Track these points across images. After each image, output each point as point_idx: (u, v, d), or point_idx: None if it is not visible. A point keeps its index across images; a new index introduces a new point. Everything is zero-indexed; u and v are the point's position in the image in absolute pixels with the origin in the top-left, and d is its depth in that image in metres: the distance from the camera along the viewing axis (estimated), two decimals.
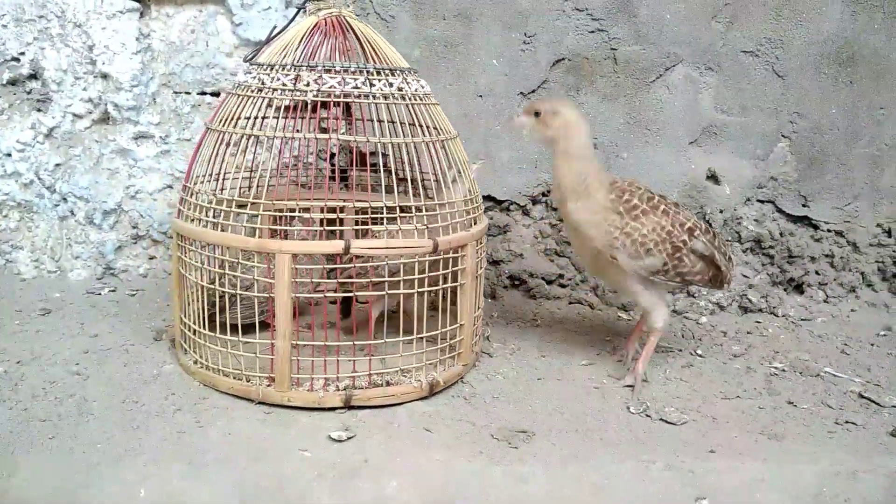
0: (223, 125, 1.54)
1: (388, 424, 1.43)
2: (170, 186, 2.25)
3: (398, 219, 1.47)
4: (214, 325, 1.53)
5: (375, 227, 1.44)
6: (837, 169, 2.27)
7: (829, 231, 2.30)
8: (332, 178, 2.10)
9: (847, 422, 1.53)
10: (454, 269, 1.56)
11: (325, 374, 1.47)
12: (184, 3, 2.17)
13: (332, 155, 2.26)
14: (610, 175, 1.71)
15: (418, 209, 1.50)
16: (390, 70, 1.56)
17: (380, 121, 1.65)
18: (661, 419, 1.50)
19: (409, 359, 1.53)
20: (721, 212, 2.27)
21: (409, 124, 1.57)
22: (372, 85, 1.50)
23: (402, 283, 1.47)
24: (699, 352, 1.92)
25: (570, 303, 2.26)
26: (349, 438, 1.36)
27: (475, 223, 1.64)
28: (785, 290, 2.32)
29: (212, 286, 1.51)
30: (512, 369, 1.74)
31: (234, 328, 1.54)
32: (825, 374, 1.79)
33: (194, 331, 1.57)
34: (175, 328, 1.67)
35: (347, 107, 1.96)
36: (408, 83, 1.56)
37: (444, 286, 1.55)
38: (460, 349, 1.63)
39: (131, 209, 2.25)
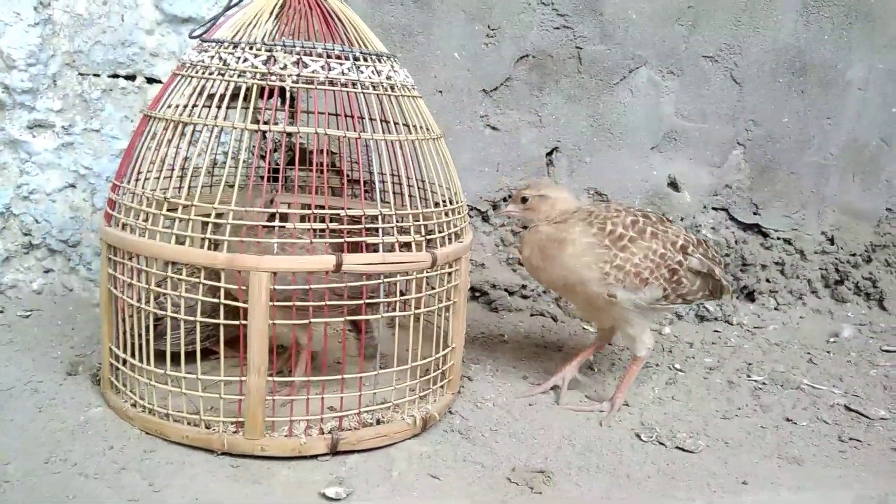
0: (169, 113, 1.26)
1: (387, 473, 1.21)
2: (73, 186, 1.89)
3: (395, 229, 1.25)
4: (148, 351, 1.25)
5: (370, 240, 1.22)
6: (787, 177, 2.28)
7: (778, 239, 2.31)
8: (272, 178, 1.85)
9: (851, 438, 1.49)
10: (449, 285, 1.37)
11: (308, 416, 1.23)
12: None
13: (274, 150, 1.99)
14: (582, 206, 1.56)
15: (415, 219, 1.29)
16: (376, 55, 1.34)
17: (343, 115, 1.43)
18: (678, 447, 1.39)
19: (396, 391, 1.32)
20: (682, 219, 2.22)
21: (382, 121, 1.36)
22: (360, 71, 1.28)
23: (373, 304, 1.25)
24: (677, 366, 1.84)
25: (533, 314, 2.12)
26: (348, 495, 1.13)
27: (465, 232, 1.46)
28: (738, 297, 2.30)
29: (160, 311, 1.23)
30: (499, 394, 1.57)
31: (173, 357, 1.27)
32: (805, 387, 1.76)
33: (132, 366, 1.28)
34: (104, 361, 1.36)
35: (287, 96, 1.71)
36: (395, 71, 1.36)
37: (438, 306, 1.35)
38: (450, 376, 1.44)
39: (23, 213, 1.87)
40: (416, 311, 1.29)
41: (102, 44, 1.85)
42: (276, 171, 1.89)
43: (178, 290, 1.22)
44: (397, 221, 1.25)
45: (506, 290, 2.11)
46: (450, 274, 1.37)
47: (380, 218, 1.23)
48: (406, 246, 1.27)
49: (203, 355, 1.26)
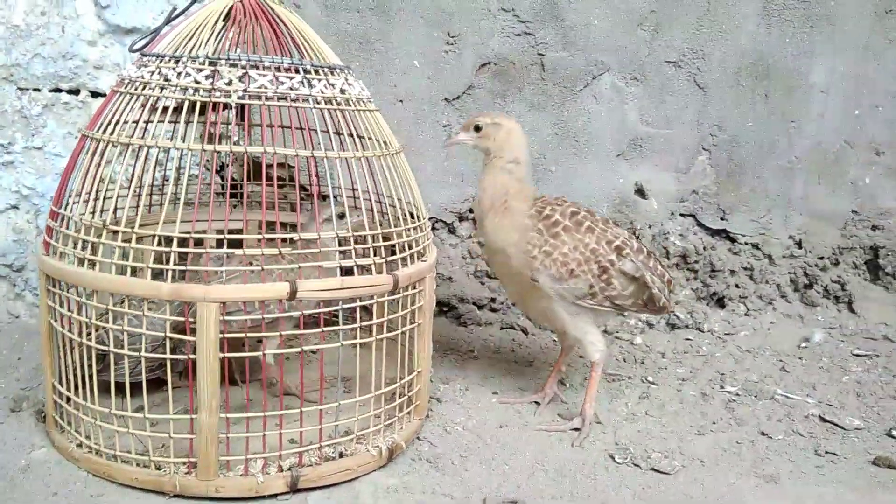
0: (112, 133, 1.18)
1: None
2: (15, 207, 1.79)
3: (353, 251, 1.18)
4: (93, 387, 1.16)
5: (327, 264, 1.15)
6: (753, 181, 2.27)
7: (746, 244, 2.29)
8: (224, 195, 1.77)
9: (827, 452, 1.46)
10: (413, 307, 1.31)
11: (265, 453, 1.15)
12: None
13: (222, 166, 1.91)
14: (537, 192, 1.55)
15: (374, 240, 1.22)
16: (329, 68, 1.27)
17: (299, 128, 1.36)
18: (653, 468, 1.34)
19: (359, 420, 1.25)
20: (650, 227, 2.19)
21: (335, 133, 1.29)
22: (311, 85, 1.21)
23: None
24: (650, 378, 1.81)
25: (503, 328, 2.07)
26: None
27: (428, 250, 1.40)
28: (708, 304, 2.28)
29: (102, 347, 1.14)
30: (469, 417, 1.51)
31: (120, 391, 1.18)
32: (779, 397, 1.74)
33: (76, 403, 1.19)
34: (47, 398, 1.27)
35: (241, 109, 1.64)
36: (349, 84, 1.29)
37: (402, 329, 1.29)
38: (417, 401, 1.38)
39: None
40: (378, 337, 1.21)
41: (42, 56, 1.75)
42: (234, 187, 1.81)
43: (119, 323, 1.14)
44: (356, 243, 1.18)
45: (474, 303, 2.05)
46: (413, 295, 1.31)
47: (336, 241, 1.16)
48: (366, 269, 1.20)
49: (156, 385, 1.19)
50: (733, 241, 2.29)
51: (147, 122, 1.25)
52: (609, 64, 2.09)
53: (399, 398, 1.32)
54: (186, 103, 1.19)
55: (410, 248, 1.31)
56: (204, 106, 1.16)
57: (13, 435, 1.29)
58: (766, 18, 2.16)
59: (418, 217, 1.40)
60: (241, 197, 1.81)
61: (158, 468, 1.14)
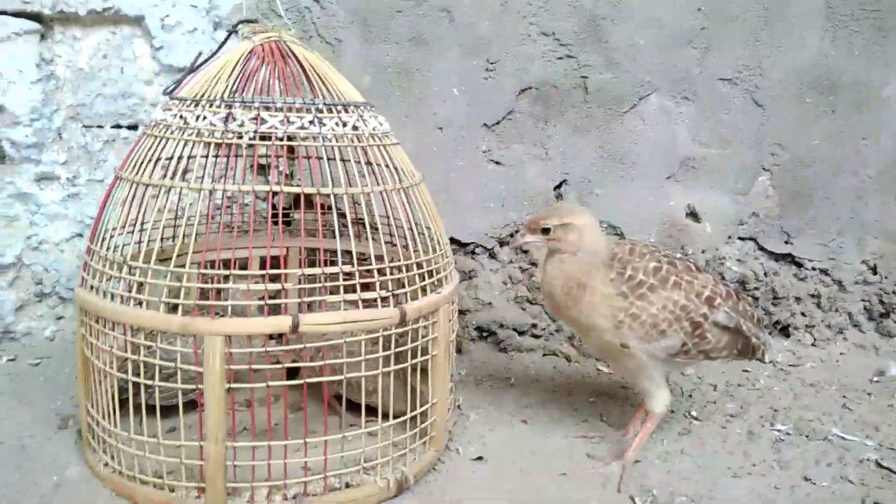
0: (135, 173, 1.25)
1: None
2: (80, 235, 1.93)
3: (358, 284, 1.20)
4: (127, 411, 1.23)
5: (331, 298, 1.17)
6: (821, 203, 2.13)
7: (813, 269, 2.15)
8: (275, 223, 1.83)
9: (876, 503, 1.34)
10: (423, 340, 1.31)
11: (270, 481, 1.18)
12: (94, 25, 1.87)
13: (274, 194, 1.98)
14: (609, 245, 1.46)
15: (381, 271, 1.24)
16: (343, 106, 1.30)
17: (330, 159, 1.40)
18: None
19: (370, 449, 1.26)
20: (703, 252, 2.09)
21: (366, 163, 1.32)
22: (322, 124, 1.24)
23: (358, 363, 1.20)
24: (693, 413, 1.72)
25: (545, 354, 2.03)
26: None
27: (446, 280, 1.40)
28: (770, 333, 2.15)
29: (123, 375, 1.21)
30: (492, 451, 1.49)
31: (151, 410, 1.25)
32: (833, 438, 1.61)
33: (103, 427, 1.27)
34: (82, 420, 1.36)
35: (289, 139, 1.70)
36: (364, 121, 1.31)
37: (412, 362, 1.29)
38: (433, 432, 1.37)
39: (34, 262, 1.92)
40: (385, 370, 1.22)
41: (104, 96, 1.89)
42: (275, 215, 1.88)
43: (145, 353, 1.20)
44: (361, 277, 1.20)
45: (515, 329, 2.03)
46: (427, 327, 1.31)
47: (340, 276, 1.18)
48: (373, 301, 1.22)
49: (192, 407, 1.24)
50: (799, 266, 2.16)
51: (189, 157, 1.31)
52: (657, 84, 2.02)
53: (411, 429, 1.32)
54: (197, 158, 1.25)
55: (424, 279, 1.31)
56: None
57: (54, 453, 1.38)
58: (831, 31, 2.03)
59: (438, 246, 1.40)
60: (286, 224, 1.88)
61: (172, 490, 1.20)
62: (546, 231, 1.42)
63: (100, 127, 1.90)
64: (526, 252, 2.04)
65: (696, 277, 1.44)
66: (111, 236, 1.25)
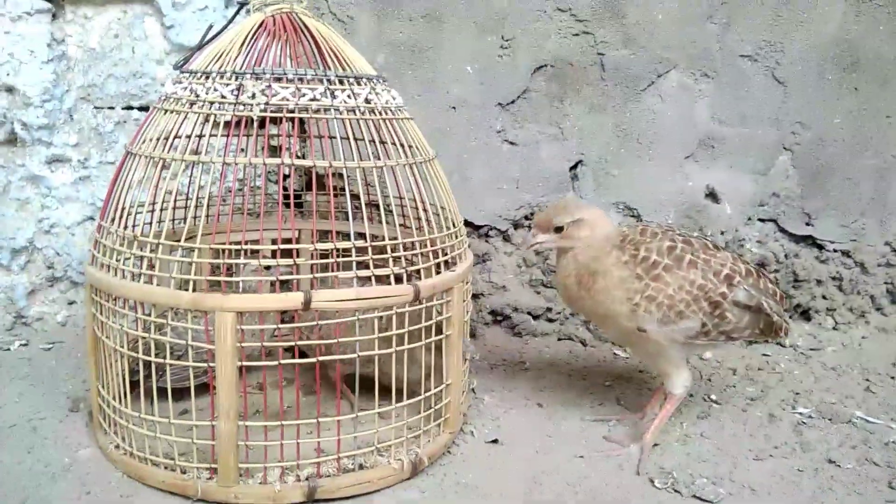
0: (146, 148, 1.23)
1: None
2: (91, 218, 1.92)
3: (371, 261, 1.17)
4: (138, 394, 1.21)
5: (343, 274, 1.15)
6: (843, 183, 2.08)
7: (835, 251, 2.10)
8: (286, 205, 1.81)
9: None
10: (438, 318, 1.28)
11: (282, 462, 1.16)
12: (105, 4, 1.84)
13: (286, 177, 1.96)
14: (618, 229, 1.43)
15: (394, 248, 1.21)
16: (355, 78, 1.27)
17: (343, 138, 1.37)
18: (695, 496, 1.25)
19: (384, 430, 1.24)
20: (722, 233, 2.05)
21: (380, 142, 1.29)
22: (334, 96, 1.21)
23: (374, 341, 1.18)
24: (713, 397, 1.69)
25: (560, 339, 2.00)
26: None
27: (460, 259, 1.37)
28: (791, 317, 2.11)
29: (135, 354, 1.19)
30: (506, 433, 1.46)
31: (163, 393, 1.23)
32: (857, 420, 1.58)
33: (114, 407, 1.25)
34: (93, 401, 1.35)
35: (301, 121, 1.67)
36: (377, 94, 1.28)
37: (426, 341, 1.27)
38: (447, 414, 1.35)
39: (45, 246, 1.91)
40: (399, 349, 1.20)
41: (115, 76, 1.87)
42: (286, 197, 1.85)
43: (150, 332, 1.18)
44: (374, 253, 1.17)
45: (529, 313, 2.00)
46: (441, 305, 1.28)
47: (353, 250, 1.15)
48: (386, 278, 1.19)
49: (205, 390, 1.22)
50: (820, 248, 2.11)
51: (199, 137, 1.29)
52: (676, 61, 1.97)
53: (425, 410, 1.30)
54: (244, 119, 1.23)
55: (437, 256, 1.28)
56: (252, 119, 1.20)
57: (66, 434, 1.37)
58: (855, 5, 1.98)
59: (452, 224, 1.37)
60: (297, 206, 1.86)
61: (184, 472, 1.18)
62: (559, 230, 1.39)
63: (111, 108, 1.89)
64: (539, 253, 2.00)
65: (715, 255, 1.39)
66: (121, 214, 1.23)
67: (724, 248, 1.47)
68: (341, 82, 1.25)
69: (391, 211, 1.26)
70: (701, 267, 1.36)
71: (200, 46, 1.36)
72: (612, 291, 1.35)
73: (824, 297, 2.10)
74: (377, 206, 1.37)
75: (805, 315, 2.12)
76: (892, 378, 1.82)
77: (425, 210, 1.30)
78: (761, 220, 2.09)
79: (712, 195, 2.05)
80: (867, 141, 2.05)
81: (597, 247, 1.38)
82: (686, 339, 1.38)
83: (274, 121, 1.23)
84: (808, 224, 2.09)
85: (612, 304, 1.35)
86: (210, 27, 1.36)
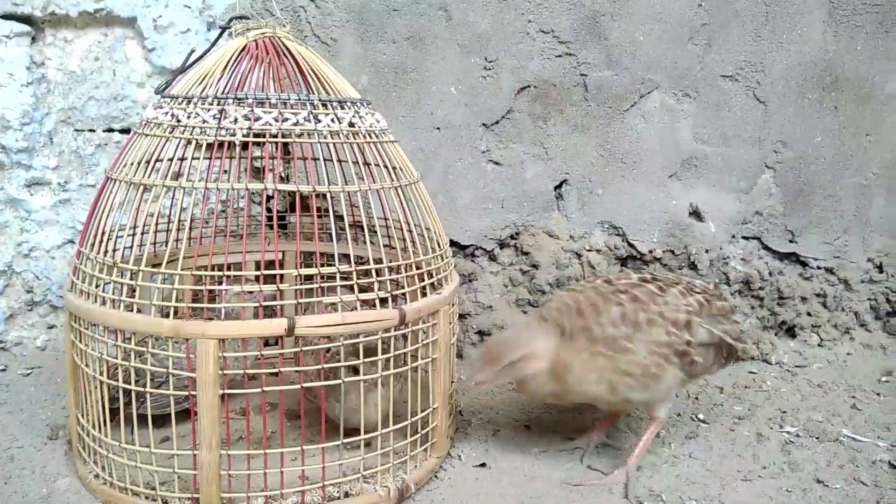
0: (127, 173, 1.21)
1: None
2: (71, 241, 1.89)
3: (356, 286, 1.16)
4: (118, 422, 1.19)
5: (328, 299, 1.14)
6: (825, 201, 2.10)
7: (818, 268, 2.12)
8: (270, 227, 1.79)
9: None
10: (424, 341, 1.27)
11: (266, 491, 1.14)
12: (85, 27, 1.83)
13: (269, 199, 1.95)
14: (561, 300, 1.37)
15: (379, 272, 1.20)
16: (339, 102, 1.27)
17: (326, 160, 1.36)
18: None
19: (370, 457, 1.22)
20: (707, 251, 2.05)
21: (363, 164, 1.28)
22: (317, 120, 1.21)
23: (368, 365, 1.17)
24: (700, 416, 1.68)
25: None
26: None
27: (446, 281, 1.36)
28: (776, 334, 2.12)
29: (114, 382, 1.17)
30: (494, 458, 1.45)
31: (143, 420, 1.20)
32: (844, 439, 1.58)
33: (93, 436, 1.22)
34: (72, 430, 1.32)
35: (285, 143, 1.66)
36: (360, 117, 1.28)
37: (413, 365, 1.25)
38: (434, 438, 1.33)
39: (25, 270, 1.88)
40: (384, 374, 1.19)
41: (96, 99, 1.85)
42: (269, 218, 1.84)
43: (131, 360, 1.15)
44: (359, 278, 1.16)
45: None
46: (426, 329, 1.27)
47: (337, 276, 1.14)
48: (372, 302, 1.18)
49: (186, 416, 1.20)
50: (804, 265, 2.12)
51: (181, 160, 1.28)
52: (658, 81, 1.99)
53: (412, 436, 1.28)
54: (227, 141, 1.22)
55: (423, 279, 1.27)
56: (246, 141, 1.19)
57: (44, 463, 1.34)
58: (834, 26, 2.01)
59: (438, 246, 1.37)
60: (281, 228, 1.84)
61: (165, 502, 1.15)
62: (511, 364, 1.31)
63: (91, 131, 1.87)
64: (526, 254, 2.00)
65: (665, 302, 1.35)
66: (101, 240, 1.21)
67: (667, 280, 1.43)
68: (325, 106, 1.24)
69: (376, 232, 1.25)
70: (660, 324, 1.33)
71: (182, 70, 1.35)
72: (586, 377, 1.31)
73: (809, 314, 2.11)
74: (362, 227, 1.36)
75: (790, 332, 2.13)
76: (878, 395, 1.83)
77: (410, 231, 1.29)
78: (745, 238, 2.10)
79: (696, 214, 2.06)
80: (848, 159, 2.08)
81: (548, 368, 1.32)
82: (667, 390, 1.37)
83: (257, 143, 1.22)
84: (791, 241, 2.11)
85: (590, 387, 1.32)
86: (192, 51, 1.36)
